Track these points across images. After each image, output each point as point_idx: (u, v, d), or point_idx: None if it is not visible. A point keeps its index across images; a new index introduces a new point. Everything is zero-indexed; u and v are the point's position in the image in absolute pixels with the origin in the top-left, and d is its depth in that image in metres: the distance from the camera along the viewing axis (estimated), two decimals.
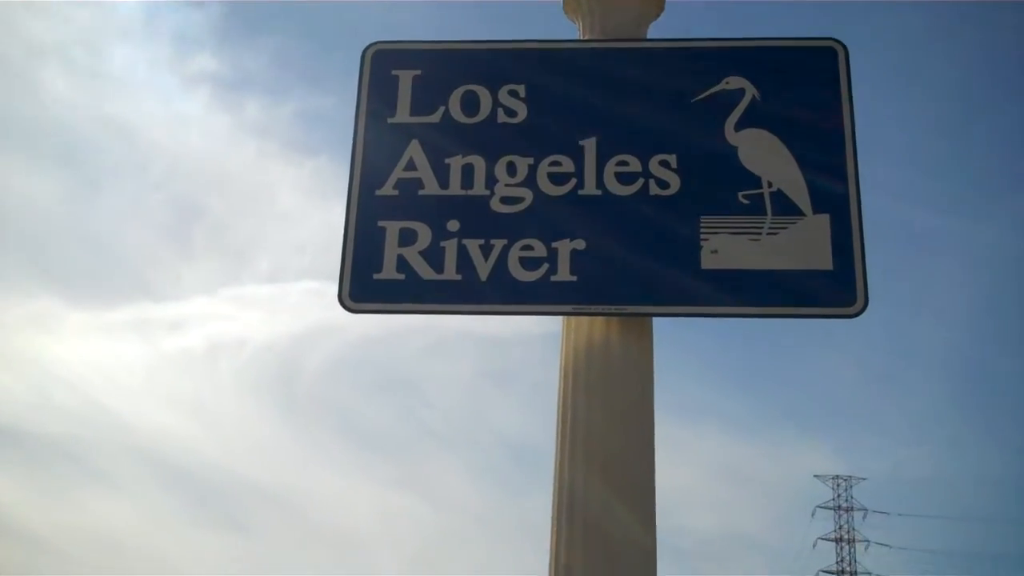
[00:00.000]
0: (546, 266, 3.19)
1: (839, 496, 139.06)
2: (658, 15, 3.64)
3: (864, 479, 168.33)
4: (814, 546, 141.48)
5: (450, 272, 3.22)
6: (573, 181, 3.30)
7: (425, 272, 3.24)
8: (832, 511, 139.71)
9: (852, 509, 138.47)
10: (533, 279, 3.19)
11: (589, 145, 3.33)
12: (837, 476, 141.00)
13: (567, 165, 3.32)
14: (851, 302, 3.10)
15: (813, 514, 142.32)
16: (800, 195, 3.22)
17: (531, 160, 3.33)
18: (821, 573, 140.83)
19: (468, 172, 3.34)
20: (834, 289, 3.12)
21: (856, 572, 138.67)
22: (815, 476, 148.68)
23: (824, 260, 3.14)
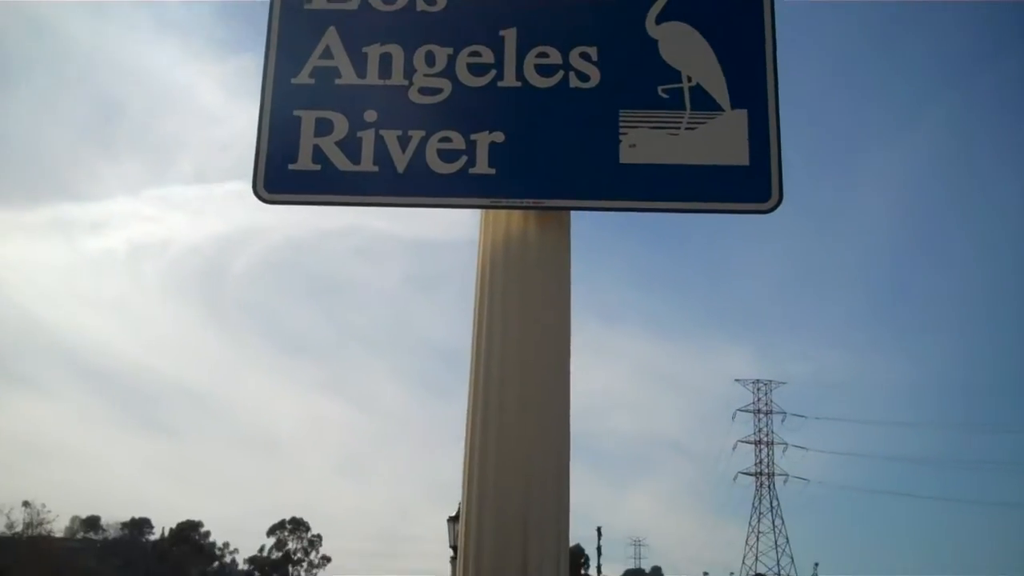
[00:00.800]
0: (464, 158, 3.16)
1: (759, 400, 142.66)
2: None
3: (784, 383, 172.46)
4: (734, 448, 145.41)
5: (367, 163, 3.18)
6: (493, 72, 3.24)
7: (341, 163, 3.18)
8: (752, 414, 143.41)
9: (771, 412, 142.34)
10: (451, 171, 3.15)
11: (509, 35, 3.28)
12: (757, 380, 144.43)
13: (487, 56, 3.26)
14: (765, 197, 3.12)
15: (733, 417, 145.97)
16: (719, 90, 3.20)
17: (450, 50, 3.27)
18: (740, 474, 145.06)
19: (386, 61, 3.27)
20: (749, 184, 3.13)
21: (774, 473, 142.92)
22: (736, 380, 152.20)
23: (740, 155, 3.15)
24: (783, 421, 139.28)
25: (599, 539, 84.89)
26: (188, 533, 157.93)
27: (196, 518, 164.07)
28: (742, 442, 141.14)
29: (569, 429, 3.09)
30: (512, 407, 3.01)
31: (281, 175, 3.20)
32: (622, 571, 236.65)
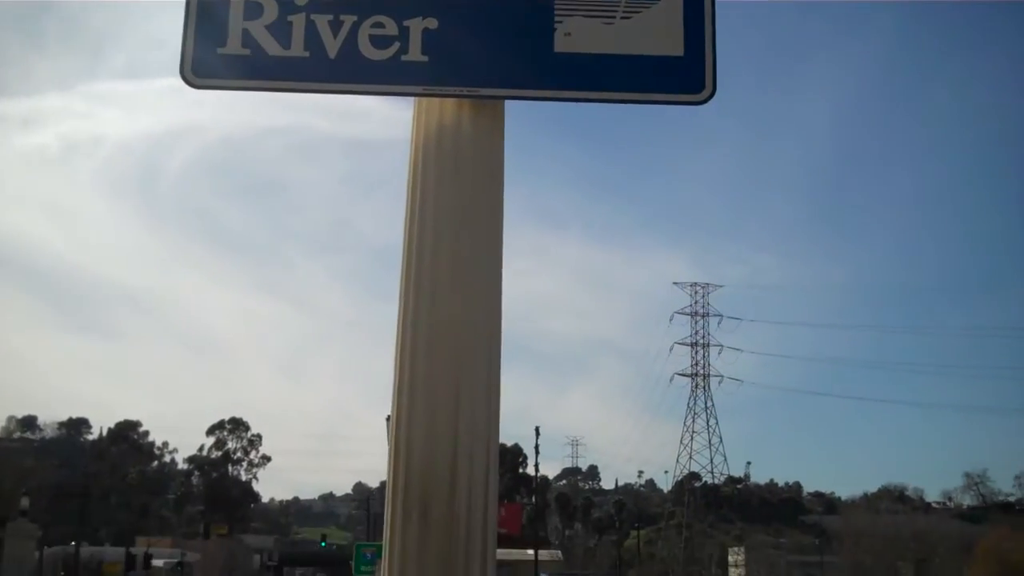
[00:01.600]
0: (397, 45, 3.10)
1: (696, 302, 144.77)
2: None
3: (720, 286, 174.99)
4: (671, 350, 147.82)
5: (298, 48, 3.11)
6: None
7: (272, 48, 3.11)
8: (689, 317, 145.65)
9: (708, 315, 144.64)
10: (383, 58, 3.10)
11: None
12: (695, 283, 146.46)
13: None
14: (699, 89, 3.11)
15: (671, 320, 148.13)
16: None
17: None
18: (676, 375, 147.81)
19: None
20: (683, 75, 3.11)
21: (709, 375, 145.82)
22: (674, 283, 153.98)
23: (675, 46, 3.12)
24: (719, 323, 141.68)
25: (537, 438, 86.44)
26: (126, 433, 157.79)
27: (134, 418, 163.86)
28: (679, 344, 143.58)
29: (500, 317, 3.11)
30: (444, 295, 3.02)
31: (210, 60, 3.11)
32: (559, 469, 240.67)
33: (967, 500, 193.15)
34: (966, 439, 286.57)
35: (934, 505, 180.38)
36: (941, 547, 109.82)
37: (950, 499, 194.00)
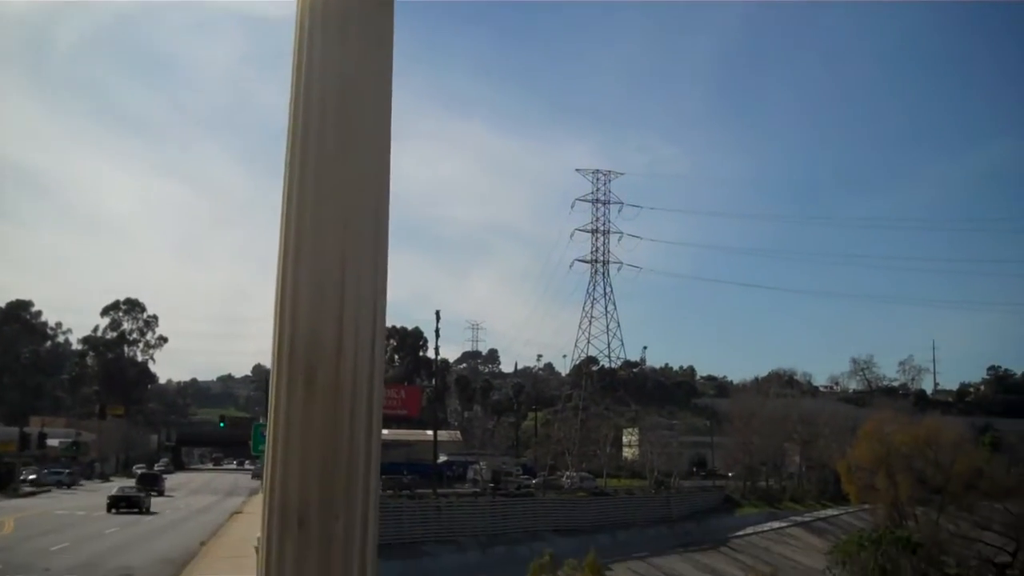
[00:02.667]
0: None
1: (598, 190, 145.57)
2: None
3: (622, 174, 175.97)
4: (571, 237, 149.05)
5: None
6: None
7: None
8: (590, 204, 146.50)
9: (609, 202, 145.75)
10: None
11: None
12: (597, 170, 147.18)
13: None
14: None
15: (572, 206, 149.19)
16: None
17: None
18: (576, 261, 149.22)
19: None
20: None
21: (608, 261, 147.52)
22: (577, 170, 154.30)
23: None
24: (620, 211, 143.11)
25: (438, 322, 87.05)
26: (18, 312, 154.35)
27: (26, 297, 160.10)
28: (579, 231, 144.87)
29: (388, 183, 3.09)
30: (330, 163, 2.98)
31: None
32: (460, 353, 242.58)
33: (853, 385, 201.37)
34: (854, 326, 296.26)
35: (821, 389, 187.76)
36: (827, 429, 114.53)
37: (837, 384, 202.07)
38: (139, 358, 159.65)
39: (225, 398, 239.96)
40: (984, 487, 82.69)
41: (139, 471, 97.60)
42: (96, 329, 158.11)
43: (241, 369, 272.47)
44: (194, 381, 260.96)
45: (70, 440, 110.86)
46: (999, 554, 78.11)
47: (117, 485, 76.33)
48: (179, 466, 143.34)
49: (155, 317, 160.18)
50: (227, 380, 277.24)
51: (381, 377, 3.12)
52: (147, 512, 61.60)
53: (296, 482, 2.91)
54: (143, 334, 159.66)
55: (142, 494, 65.96)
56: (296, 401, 2.91)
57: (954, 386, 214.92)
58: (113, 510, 60.23)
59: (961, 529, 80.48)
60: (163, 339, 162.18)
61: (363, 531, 3.07)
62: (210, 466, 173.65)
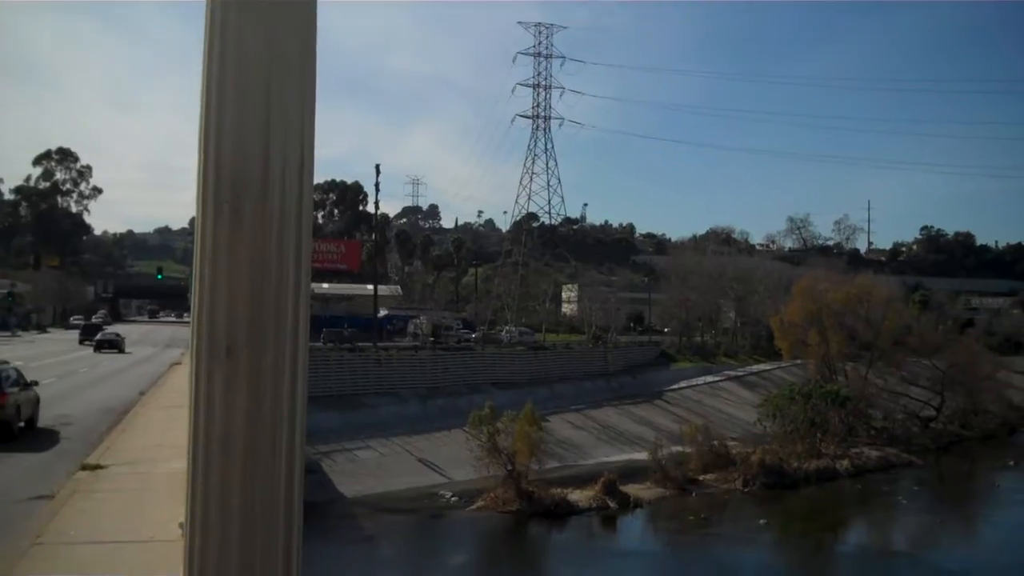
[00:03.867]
0: None
1: (540, 44, 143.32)
2: None
3: (565, 28, 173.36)
4: (513, 91, 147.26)
5: None
6: None
7: None
8: (532, 58, 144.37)
9: (551, 57, 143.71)
10: None
11: None
12: (539, 23, 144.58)
13: None
14: None
15: (514, 60, 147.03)
16: None
17: None
18: (518, 117, 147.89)
19: None
20: None
21: (550, 117, 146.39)
22: (519, 23, 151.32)
23: None
24: (562, 66, 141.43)
25: (377, 176, 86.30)
26: None
27: None
28: (521, 85, 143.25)
29: (315, 3, 2.97)
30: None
31: None
32: (400, 208, 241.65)
33: (789, 243, 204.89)
34: (791, 185, 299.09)
35: (758, 247, 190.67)
36: (761, 286, 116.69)
37: (773, 242, 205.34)
38: (73, 209, 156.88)
39: (162, 250, 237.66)
40: (912, 344, 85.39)
41: (78, 322, 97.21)
42: (29, 179, 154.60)
43: (178, 221, 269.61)
44: (130, 233, 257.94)
45: (5, 291, 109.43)
46: (924, 408, 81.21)
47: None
48: (117, 318, 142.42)
49: (89, 167, 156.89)
50: (164, 232, 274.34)
51: (310, 210, 3.05)
52: (123, 352, 75.02)
53: (223, 314, 2.87)
54: (77, 184, 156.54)
55: (122, 338, 79.44)
56: (222, 232, 2.84)
57: (887, 246, 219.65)
58: (98, 351, 74.30)
59: (889, 384, 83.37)
60: (97, 190, 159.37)
61: (292, 365, 3.05)
62: (146, 318, 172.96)
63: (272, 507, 3.11)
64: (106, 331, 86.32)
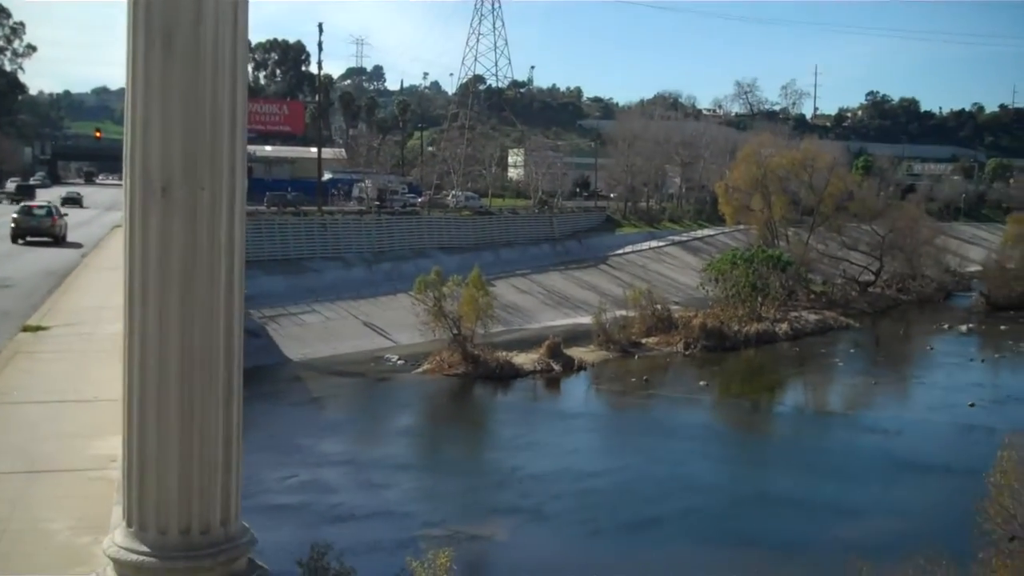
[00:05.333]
0: None
1: None
2: None
3: None
4: None
5: None
6: None
7: None
8: None
9: None
10: None
11: None
12: None
13: None
14: None
15: None
16: None
17: None
18: None
19: None
20: None
21: None
22: None
23: None
24: None
25: (320, 35, 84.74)
26: None
27: None
28: None
29: None
30: None
31: None
32: (344, 69, 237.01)
33: (736, 108, 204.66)
34: (740, 49, 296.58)
35: (705, 112, 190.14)
36: (707, 152, 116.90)
37: (720, 107, 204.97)
38: (7, 67, 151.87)
39: (101, 111, 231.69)
40: (854, 209, 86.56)
41: (13, 183, 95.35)
42: None
43: (117, 81, 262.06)
44: (67, 94, 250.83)
45: None
46: (863, 273, 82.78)
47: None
48: (55, 180, 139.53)
49: (22, 24, 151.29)
50: (102, 93, 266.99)
51: (245, 48, 2.97)
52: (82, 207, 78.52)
53: (157, 151, 2.80)
54: (10, 42, 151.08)
55: (81, 196, 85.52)
56: (154, 67, 2.75)
57: (833, 111, 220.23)
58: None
59: (829, 249, 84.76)
60: (32, 47, 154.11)
61: (230, 202, 3.00)
62: (82, 182, 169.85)
63: (211, 335, 3.10)
64: (72, 192, 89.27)
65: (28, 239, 45.99)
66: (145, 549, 3.05)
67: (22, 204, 54.27)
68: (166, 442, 2.91)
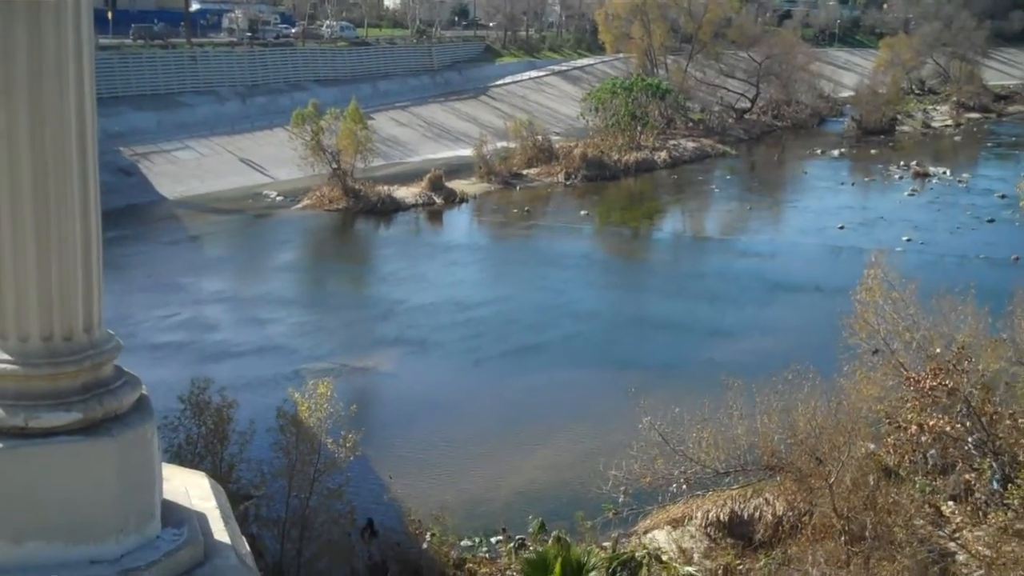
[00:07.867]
0: None
1: None
2: None
3: None
4: None
5: None
6: None
7: None
8: None
9: None
10: None
11: None
12: None
13: None
14: None
15: None
16: None
17: None
18: None
19: None
20: None
21: None
22: None
23: None
24: None
25: None
26: None
27: None
28: None
29: None
30: None
31: None
32: None
33: None
34: None
35: None
36: None
37: None
38: None
39: None
40: (732, 36, 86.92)
41: None
42: None
43: None
44: None
45: None
46: (740, 100, 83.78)
47: None
48: None
49: None
50: None
51: None
52: None
53: None
54: None
55: None
56: None
57: None
58: None
59: (707, 77, 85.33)
60: None
61: (75, 5, 2.85)
62: None
63: (62, 140, 3.00)
64: None
65: None
66: (6, 357, 3.01)
67: None
68: (23, 250, 2.84)
